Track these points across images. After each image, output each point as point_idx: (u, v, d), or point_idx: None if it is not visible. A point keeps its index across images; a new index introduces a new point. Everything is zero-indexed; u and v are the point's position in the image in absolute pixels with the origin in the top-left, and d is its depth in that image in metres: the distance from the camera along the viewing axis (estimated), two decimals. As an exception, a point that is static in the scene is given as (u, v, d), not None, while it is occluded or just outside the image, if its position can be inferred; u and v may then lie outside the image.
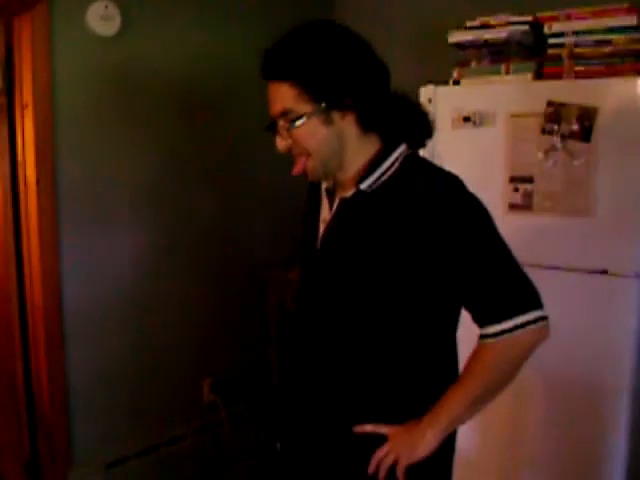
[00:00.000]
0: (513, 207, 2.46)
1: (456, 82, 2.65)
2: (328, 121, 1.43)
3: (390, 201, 1.43)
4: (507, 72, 2.55)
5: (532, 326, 1.39)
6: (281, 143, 1.48)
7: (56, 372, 2.93)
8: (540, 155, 2.39)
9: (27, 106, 2.78)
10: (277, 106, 1.44)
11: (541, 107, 2.37)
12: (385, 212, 1.43)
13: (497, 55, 2.60)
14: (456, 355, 1.59)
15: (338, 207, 1.53)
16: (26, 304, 2.97)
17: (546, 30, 2.48)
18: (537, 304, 1.42)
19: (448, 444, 1.52)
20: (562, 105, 2.34)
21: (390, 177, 1.46)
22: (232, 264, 3.51)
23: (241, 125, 3.41)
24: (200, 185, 3.35)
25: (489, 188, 2.48)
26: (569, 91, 2.35)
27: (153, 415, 3.26)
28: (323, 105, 1.41)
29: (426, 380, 1.51)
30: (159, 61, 3.12)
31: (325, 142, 1.45)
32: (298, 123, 1.42)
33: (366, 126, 1.48)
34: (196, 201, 3.34)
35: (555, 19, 2.49)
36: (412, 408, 1.49)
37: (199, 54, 3.25)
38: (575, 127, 2.32)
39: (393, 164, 1.47)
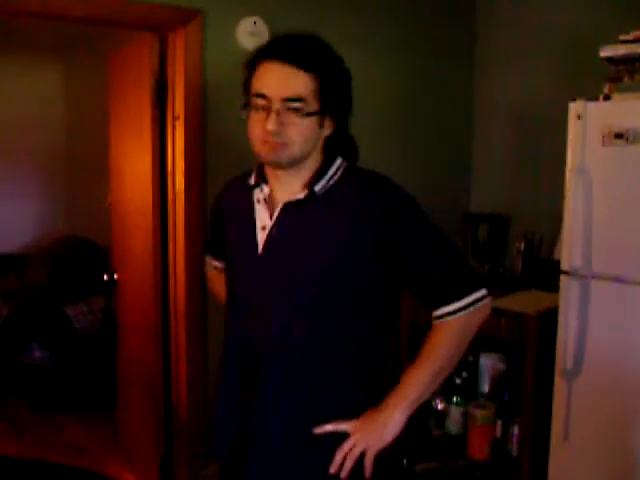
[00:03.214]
0: (668, 229, 2.34)
1: (607, 97, 2.55)
2: (320, 124, 1.53)
3: (341, 198, 1.54)
4: (663, 88, 2.44)
5: (482, 302, 1.55)
6: (275, 124, 1.48)
7: (195, 375, 3.05)
8: (699, 175, 2.27)
9: (178, 118, 2.90)
10: (289, 89, 1.48)
11: (700, 124, 2.26)
12: (337, 208, 1.54)
13: (652, 70, 2.49)
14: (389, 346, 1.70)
15: (281, 212, 1.59)
16: (169, 308, 3.10)
17: None
18: (482, 283, 1.57)
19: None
20: None
21: (336, 182, 1.57)
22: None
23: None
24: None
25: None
26: None
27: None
28: (327, 110, 1.52)
29: (372, 367, 1.62)
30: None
31: (309, 140, 1.53)
32: (310, 117, 1.49)
33: (334, 137, 1.59)
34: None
35: None
36: (360, 396, 1.59)
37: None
38: None
39: (337, 171, 1.59)
